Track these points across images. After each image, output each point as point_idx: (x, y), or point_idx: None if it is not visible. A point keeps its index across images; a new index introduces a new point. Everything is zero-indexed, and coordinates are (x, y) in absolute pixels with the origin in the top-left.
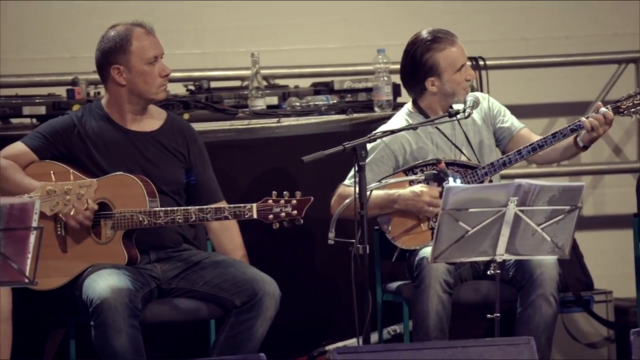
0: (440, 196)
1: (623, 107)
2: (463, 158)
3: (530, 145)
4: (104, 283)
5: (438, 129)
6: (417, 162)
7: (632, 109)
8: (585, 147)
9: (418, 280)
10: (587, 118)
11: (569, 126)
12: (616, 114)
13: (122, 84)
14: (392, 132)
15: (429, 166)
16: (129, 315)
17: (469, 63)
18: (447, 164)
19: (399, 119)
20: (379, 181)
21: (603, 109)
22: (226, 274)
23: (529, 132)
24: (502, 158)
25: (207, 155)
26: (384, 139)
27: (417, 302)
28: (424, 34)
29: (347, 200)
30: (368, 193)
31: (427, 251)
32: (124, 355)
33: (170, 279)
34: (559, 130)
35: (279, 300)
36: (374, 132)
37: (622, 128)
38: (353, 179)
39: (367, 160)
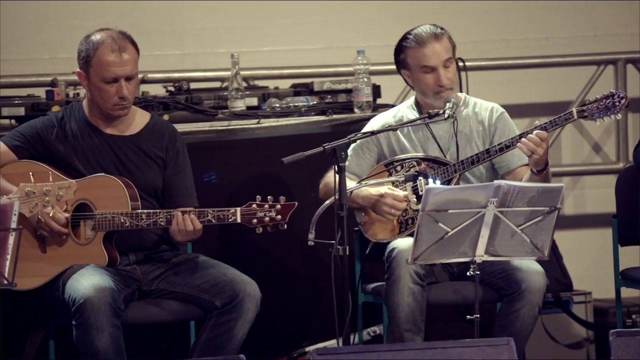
0: (406, 199)
1: (587, 110)
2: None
3: (498, 144)
4: (87, 282)
5: (428, 127)
6: (396, 158)
7: (596, 114)
8: (539, 172)
9: (389, 273)
10: (524, 136)
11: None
12: (580, 118)
13: (86, 89)
14: (372, 133)
15: (413, 164)
16: (112, 315)
17: (444, 69)
18: (421, 160)
19: (396, 109)
20: (359, 182)
21: (534, 131)
22: (206, 275)
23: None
24: (471, 157)
25: (185, 160)
26: (372, 125)
27: (389, 294)
28: (417, 28)
29: (327, 202)
30: (348, 193)
31: (396, 243)
32: (105, 355)
33: (151, 280)
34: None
35: (260, 302)
36: (355, 133)
37: (601, 128)
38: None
39: (353, 145)
